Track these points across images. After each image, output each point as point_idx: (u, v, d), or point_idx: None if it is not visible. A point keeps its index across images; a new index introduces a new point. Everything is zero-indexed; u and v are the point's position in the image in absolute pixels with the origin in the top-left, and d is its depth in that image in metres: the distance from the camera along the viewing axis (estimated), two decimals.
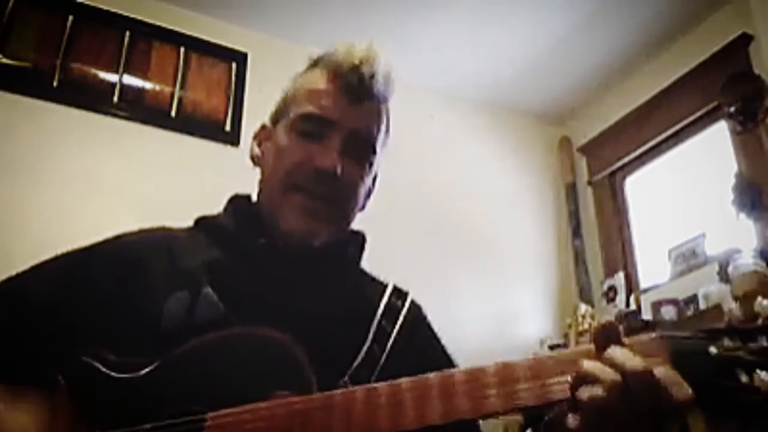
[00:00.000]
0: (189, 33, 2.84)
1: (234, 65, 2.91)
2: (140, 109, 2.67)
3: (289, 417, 0.63)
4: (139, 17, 2.77)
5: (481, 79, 3.31)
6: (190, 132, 2.72)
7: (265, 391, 0.65)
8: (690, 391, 0.55)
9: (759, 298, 1.99)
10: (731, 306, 2.19)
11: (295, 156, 0.90)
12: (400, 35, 2.89)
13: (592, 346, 0.60)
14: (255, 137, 1.02)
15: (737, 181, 2.57)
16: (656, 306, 2.74)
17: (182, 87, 2.77)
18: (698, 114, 2.91)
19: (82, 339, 0.77)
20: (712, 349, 0.58)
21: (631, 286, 3.07)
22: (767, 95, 2.60)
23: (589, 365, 0.57)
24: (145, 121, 2.66)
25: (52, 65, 2.55)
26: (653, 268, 3.03)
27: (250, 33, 2.97)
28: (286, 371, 0.68)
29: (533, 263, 3.27)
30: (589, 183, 3.45)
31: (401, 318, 0.91)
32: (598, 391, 0.55)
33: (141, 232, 0.93)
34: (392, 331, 0.88)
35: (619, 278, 3.08)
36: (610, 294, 3.08)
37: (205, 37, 2.87)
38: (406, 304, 0.94)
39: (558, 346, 2.93)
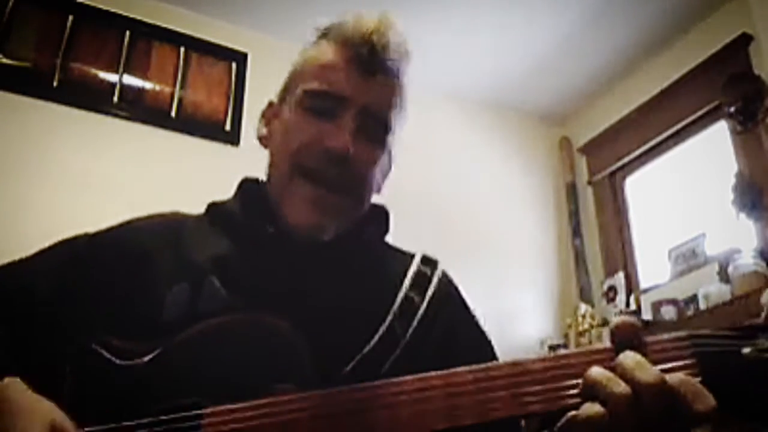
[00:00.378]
0: (189, 33, 2.84)
1: (234, 65, 2.91)
2: (140, 109, 2.67)
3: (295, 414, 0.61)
4: (139, 17, 2.77)
5: (480, 80, 3.30)
6: (190, 132, 2.72)
7: (265, 380, 0.64)
8: (712, 401, 0.49)
9: None
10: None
11: (303, 135, 0.83)
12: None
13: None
14: (262, 116, 0.95)
15: (737, 181, 2.57)
16: (656, 306, 2.74)
17: (182, 87, 2.77)
18: (698, 114, 2.91)
19: (86, 325, 0.76)
20: (746, 350, 0.51)
21: (631, 286, 3.07)
22: (767, 95, 2.61)
23: (597, 374, 0.52)
24: (145, 121, 2.66)
25: (52, 65, 2.55)
26: (653, 268, 3.03)
27: (250, 33, 2.97)
28: (286, 358, 0.67)
29: (533, 263, 3.27)
30: (589, 183, 3.45)
31: (431, 288, 0.86)
32: (598, 409, 0.51)
33: (151, 217, 0.91)
34: (421, 303, 0.83)
35: (619, 278, 3.08)
36: (610, 294, 3.08)
37: (205, 37, 2.87)
38: (437, 273, 0.89)
39: (558, 346, 2.93)
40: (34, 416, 0.63)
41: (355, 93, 0.83)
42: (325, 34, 0.90)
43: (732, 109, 2.67)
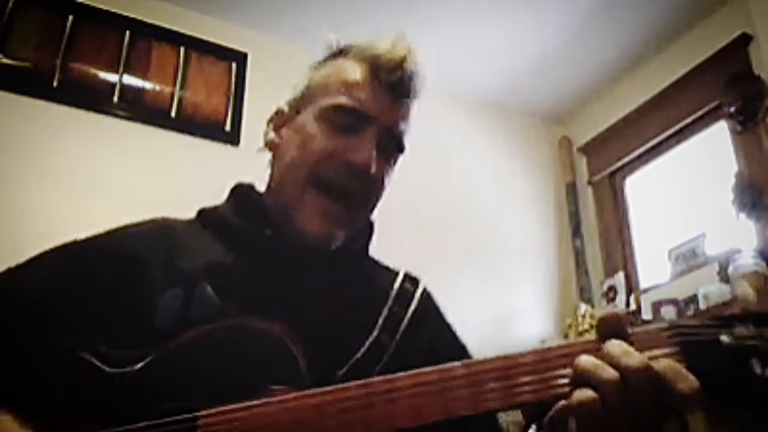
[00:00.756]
0: (189, 33, 2.84)
1: (234, 65, 2.91)
2: (140, 109, 2.67)
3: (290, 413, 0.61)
4: (139, 17, 2.76)
5: (480, 80, 3.31)
6: (190, 132, 2.72)
7: (259, 384, 0.64)
8: (697, 383, 0.51)
9: None
10: (746, 291, 2.12)
11: (325, 147, 0.86)
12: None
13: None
14: (270, 121, 0.97)
15: (737, 181, 2.58)
16: (656, 306, 2.74)
17: (182, 87, 2.77)
18: (698, 114, 2.92)
19: (78, 332, 0.75)
20: (724, 338, 0.54)
21: (631, 286, 3.07)
22: (767, 95, 2.61)
23: (586, 361, 0.54)
24: (145, 121, 2.65)
25: (52, 65, 2.55)
26: (653, 268, 3.03)
27: (250, 33, 2.97)
28: (280, 363, 0.67)
29: (533, 263, 3.27)
30: (589, 183, 3.45)
31: (413, 304, 0.89)
32: (590, 393, 0.53)
33: (142, 223, 0.91)
34: (404, 317, 0.87)
35: (619, 278, 3.08)
36: (610, 294, 3.08)
37: (205, 37, 2.87)
38: (419, 290, 0.92)
39: None
40: None
41: (381, 113, 0.87)
42: (346, 52, 0.93)
43: (732, 109, 2.67)
